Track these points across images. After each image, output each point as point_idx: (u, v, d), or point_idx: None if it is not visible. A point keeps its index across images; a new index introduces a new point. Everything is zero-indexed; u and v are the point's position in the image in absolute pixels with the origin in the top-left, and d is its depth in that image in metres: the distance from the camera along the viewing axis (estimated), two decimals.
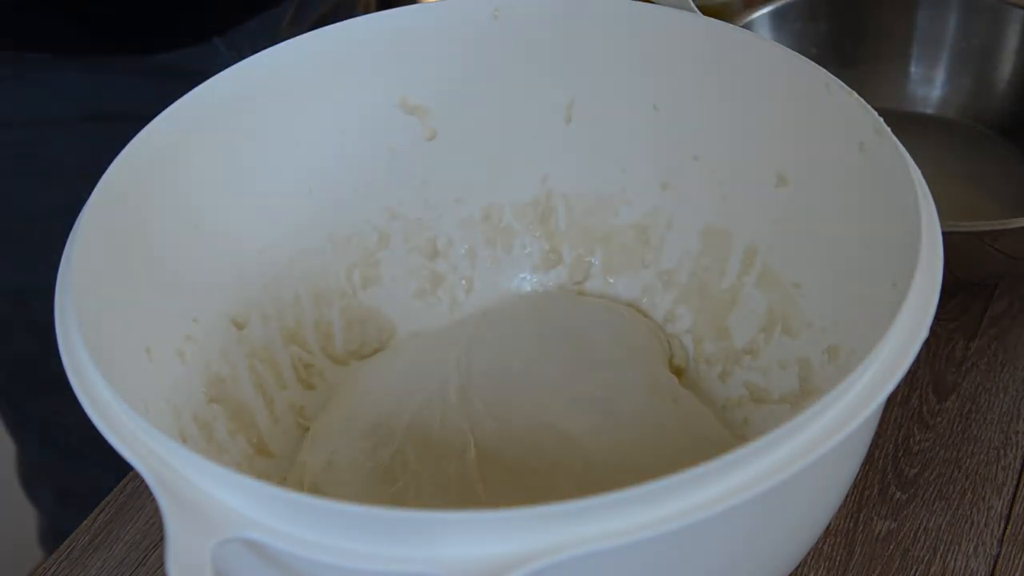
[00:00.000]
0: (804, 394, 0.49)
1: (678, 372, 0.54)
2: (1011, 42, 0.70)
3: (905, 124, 0.58)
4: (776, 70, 0.49)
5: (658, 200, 0.56)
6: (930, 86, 0.73)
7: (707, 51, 0.51)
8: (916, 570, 0.50)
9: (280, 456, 0.51)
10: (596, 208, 0.57)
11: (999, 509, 0.52)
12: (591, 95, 0.55)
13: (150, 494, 0.53)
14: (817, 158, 0.49)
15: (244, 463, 0.49)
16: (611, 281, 0.58)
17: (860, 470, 0.45)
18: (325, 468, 0.49)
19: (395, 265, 0.57)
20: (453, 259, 0.58)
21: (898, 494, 0.53)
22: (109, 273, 0.43)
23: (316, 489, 0.48)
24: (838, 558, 0.51)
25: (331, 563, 0.32)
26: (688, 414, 0.50)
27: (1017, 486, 0.53)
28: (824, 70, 0.47)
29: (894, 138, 0.43)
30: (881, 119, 0.44)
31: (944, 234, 0.40)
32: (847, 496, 0.50)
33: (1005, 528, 0.51)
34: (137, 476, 0.54)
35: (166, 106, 0.48)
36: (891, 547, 0.51)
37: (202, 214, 0.50)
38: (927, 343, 0.39)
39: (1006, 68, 0.70)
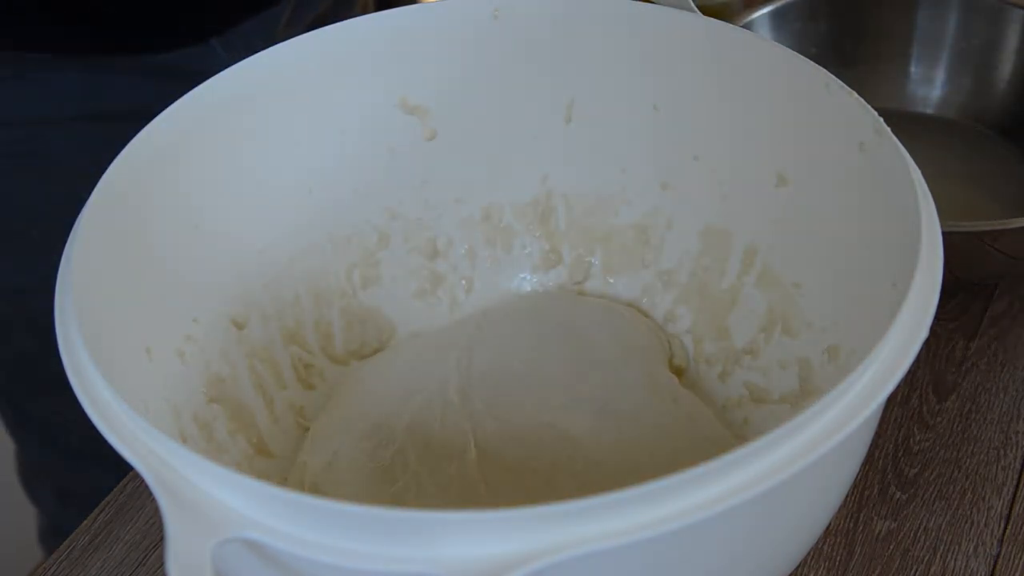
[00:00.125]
0: (804, 394, 0.49)
1: (678, 372, 0.54)
2: (1011, 42, 0.70)
3: (905, 124, 0.57)
4: (776, 70, 0.49)
5: (658, 200, 0.56)
6: (930, 86, 0.73)
7: (707, 51, 0.51)
8: (916, 570, 0.50)
9: (280, 456, 0.51)
10: (596, 208, 0.57)
11: (999, 509, 0.52)
12: (591, 95, 0.55)
13: (150, 494, 0.53)
14: (817, 158, 0.49)
15: (244, 463, 0.49)
16: (611, 281, 0.58)
17: (860, 470, 0.45)
18: (325, 468, 0.49)
19: (395, 265, 0.57)
20: (453, 259, 0.58)
21: (898, 494, 0.53)
22: (109, 273, 0.43)
23: (316, 489, 0.48)
24: (838, 558, 0.51)
25: (331, 563, 0.32)
26: (688, 414, 0.50)
27: (1017, 486, 0.53)
28: (824, 70, 0.47)
29: (894, 138, 0.43)
30: (881, 119, 0.44)
31: (944, 234, 0.40)
32: (847, 496, 0.50)
33: (1005, 528, 0.52)
34: (137, 476, 0.54)
35: (165, 106, 0.48)
36: (891, 547, 0.51)
37: (202, 214, 0.50)
38: (927, 343, 0.39)
39: (1006, 68, 0.70)
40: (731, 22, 0.58)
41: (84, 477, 0.72)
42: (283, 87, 0.52)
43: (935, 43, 0.72)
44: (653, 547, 0.34)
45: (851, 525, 0.52)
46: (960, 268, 0.55)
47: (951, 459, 0.55)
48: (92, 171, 0.45)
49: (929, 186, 0.42)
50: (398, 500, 0.47)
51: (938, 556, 0.51)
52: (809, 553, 0.49)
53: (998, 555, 0.50)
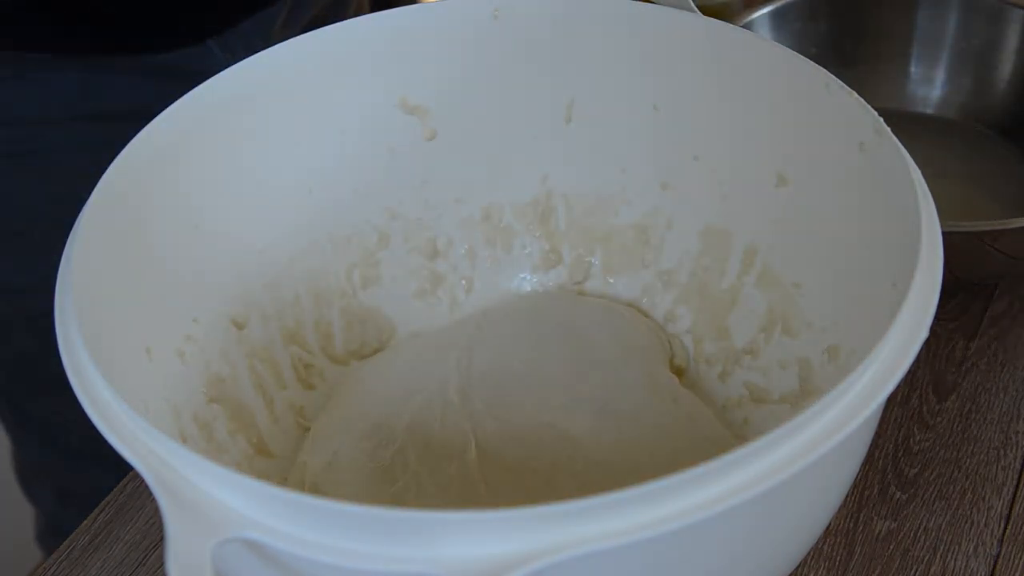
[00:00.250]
0: (804, 394, 0.49)
1: (679, 372, 0.54)
2: (1011, 42, 0.70)
3: (905, 124, 0.57)
4: (776, 70, 0.49)
5: (658, 200, 0.56)
6: (930, 86, 0.73)
7: (707, 51, 0.51)
8: (916, 570, 0.50)
9: (280, 456, 0.51)
10: (596, 208, 0.57)
11: (999, 509, 0.52)
12: (591, 95, 0.55)
13: (150, 494, 0.53)
14: (817, 158, 0.49)
15: (244, 463, 0.49)
16: (611, 281, 0.58)
17: (860, 470, 0.45)
18: (326, 468, 0.49)
19: (395, 265, 0.57)
20: (453, 259, 0.58)
21: (898, 494, 0.53)
22: (109, 273, 0.43)
23: (317, 489, 0.48)
24: (838, 558, 0.51)
25: (331, 563, 0.32)
26: (688, 414, 0.50)
27: (1017, 486, 0.53)
28: (824, 70, 0.47)
29: (894, 138, 0.43)
30: (881, 119, 0.44)
31: (944, 234, 0.40)
32: (847, 496, 0.50)
33: (1005, 528, 0.52)
34: (137, 476, 0.54)
35: (164, 106, 0.48)
36: (891, 547, 0.51)
37: (202, 214, 0.50)
38: (927, 343, 0.39)
39: (1006, 68, 0.70)
40: (731, 22, 0.58)
41: (84, 477, 0.72)
42: (283, 87, 0.52)
43: (935, 43, 0.72)
44: (653, 547, 0.34)
45: (851, 525, 0.52)
46: (960, 268, 0.55)
47: (951, 459, 0.55)
48: (92, 171, 0.45)
49: (929, 186, 0.42)
50: (398, 500, 0.47)
51: (938, 556, 0.51)
52: (809, 553, 0.49)
53: (998, 555, 0.50)
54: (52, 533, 0.89)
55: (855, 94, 0.46)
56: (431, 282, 0.58)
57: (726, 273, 0.54)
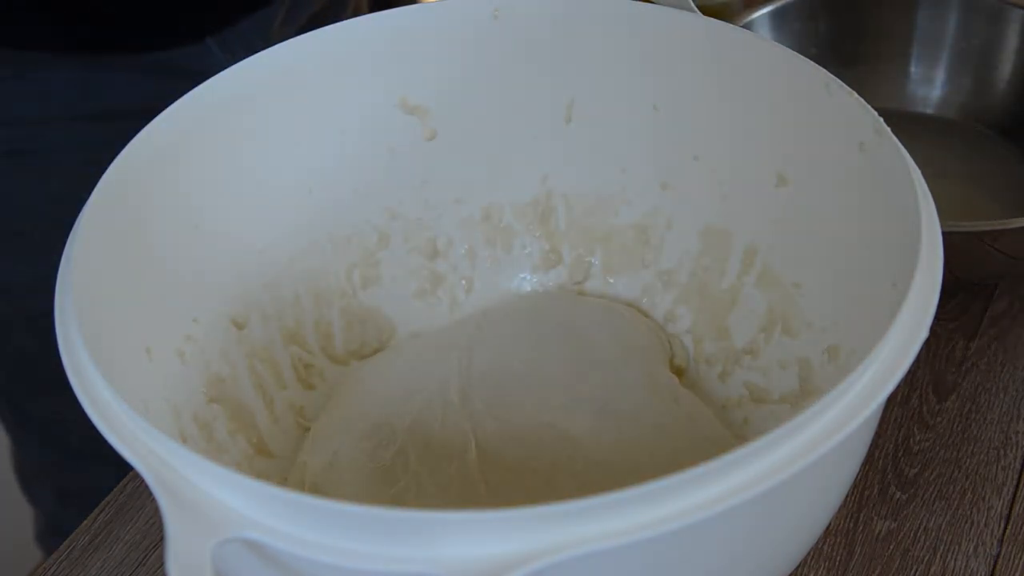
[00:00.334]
0: (804, 394, 0.49)
1: (679, 372, 0.54)
2: (1011, 42, 0.70)
3: (905, 124, 0.57)
4: (776, 70, 0.49)
5: (658, 200, 0.56)
6: (930, 86, 0.73)
7: (707, 51, 0.51)
8: (916, 570, 0.50)
9: (280, 456, 0.51)
10: (596, 208, 0.57)
11: (999, 509, 0.52)
12: (591, 95, 0.55)
13: (150, 494, 0.53)
14: (817, 158, 0.49)
15: (244, 463, 0.49)
16: (611, 281, 0.58)
17: (860, 470, 0.45)
18: (326, 468, 0.49)
19: (395, 265, 0.57)
20: (453, 259, 0.58)
21: (898, 494, 0.53)
22: (109, 273, 0.43)
23: (317, 489, 0.48)
24: (838, 558, 0.51)
25: (331, 563, 0.32)
26: (688, 414, 0.50)
27: (1017, 486, 0.53)
28: (824, 70, 0.47)
29: (894, 138, 0.43)
30: (881, 119, 0.44)
31: (944, 234, 0.40)
32: (847, 496, 0.50)
33: (1005, 528, 0.52)
34: (137, 476, 0.54)
35: (162, 104, 0.48)
36: (891, 547, 0.51)
37: (202, 214, 0.50)
38: (927, 343, 0.39)
39: (1006, 68, 0.70)
40: (731, 22, 0.58)
41: (84, 477, 0.72)
42: (283, 87, 0.52)
43: (935, 43, 0.72)
44: (653, 547, 0.34)
45: (851, 525, 0.52)
46: (960, 268, 0.55)
47: (951, 459, 0.55)
48: (92, 170, 0.45)
49: (929, 186, 0.42)
50: (398, 500, 0.47)
51: (938, 556, 0.51)
52: (809, 553, 0.49)
53: (998, 555, 0.50)
54: (52, 533, 0.89)
55: (855, 94, 0.46)
56: (431, 282, 0.58)
57: (726, 273, 0.54)
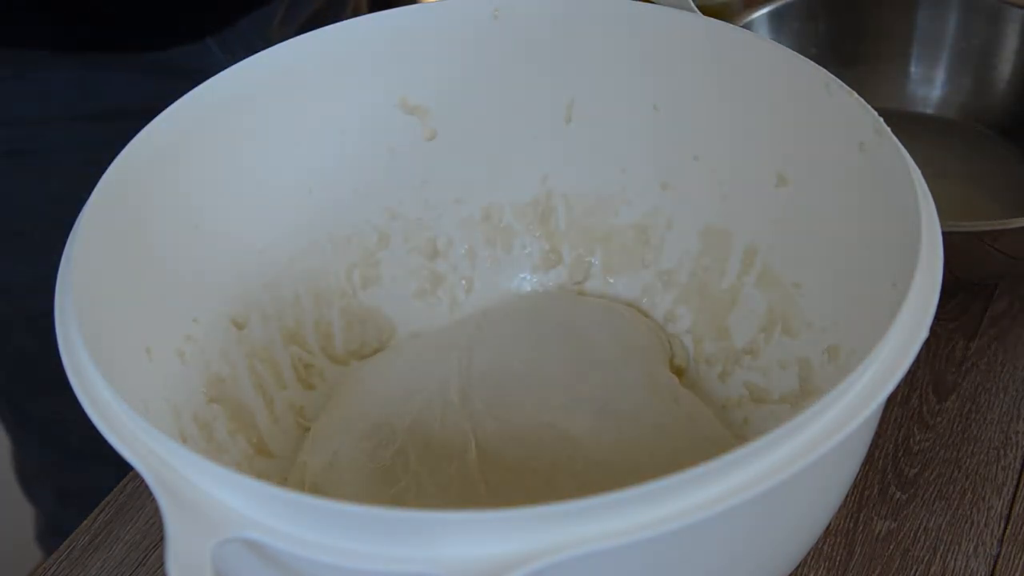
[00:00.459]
0: (804, 394, 0.49)
1: (679, 372, 0.54)
2: (1011, 42, 0.70)
3: (905, 124, 0.58)
4: (776, 70, 0.49)
5: (658, 200, 0.56)
6: (930, 86, 0.73)
7: (707, 51, 0.51)
8: (916, 570, 0.50)
9: (280, 456, 0.51)
10: (596, 208, 0.57)
11: (999, 509, 0.52)
12: (591, 95, 0.55)
13: (150, 494, 0.53)
14: (817, 158, 0.49)
15: (244, 463, 0.49)
16: (611, 281, 0.58)
17: (860, 470, 0.45)
18: (326, 468, 0.49)
19: (395, 265, 0.57)
20: (453, 259, 0.58)
21: (898, 494, 0.53)
22: (109, 273, 0.43)
23: (317, 489, 0.48)
24: (838, 558, 0.51)
25: (331, 563, 0.32)
26: (688, 414, 0.50)
27: (1017, 486, 0.53)
28: (824, 70, 0.47)
29: (894, 138, 0.43)
30: (881, 119, 0.44)
31: (944, 234, 0.40)
32: (847, 496, 0.50)
33: (1005, 528, 0.52)
34: (137, 476, 0.54)
35: (161, 103, 0.48)
36: (891, 547, 0.51)
37: (202, 214, 0.50)
38: (927, 343, 0.39)
39: (1006, 68, 0.71)
40: (731, 22, 0.58)
41: (84, 477, 0.72)
42: (283, 87, 0.52)
43: (935, 43, 0.72)
44: (653, 547, 0.34)
45: (851, 525, 0.52)
46: (960, 268, 0.55)
47: (951, 459, 0.55)
48: (91, 170, 0.45)
49: (929, 186, 0.42)
50: (399, 500, 0.47)
51: (938, 556, 0.51)
52: (809, 553, 0.49)
53: (998, 555, 0.50)
54: (52, 533, 0.89)
55: (855, 94, 0.46)
56: (431, 282, 0.58)
57: (726, 273, 0.54)
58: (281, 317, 0.54)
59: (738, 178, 0.53)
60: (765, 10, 0.71)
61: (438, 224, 0.57)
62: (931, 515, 0.52)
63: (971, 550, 0.51)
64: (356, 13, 0.80)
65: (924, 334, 0.37)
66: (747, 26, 0.69)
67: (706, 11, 0.54)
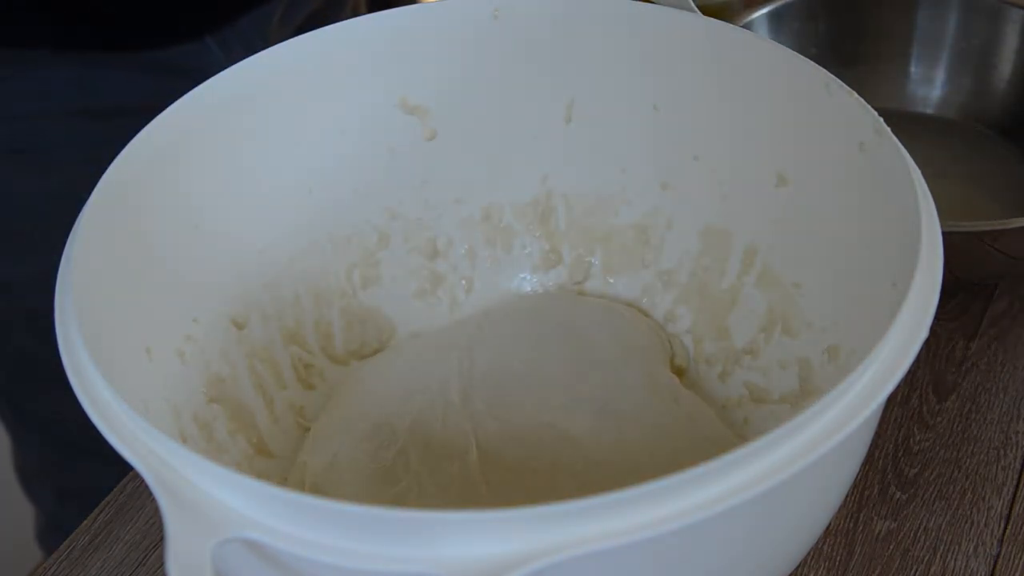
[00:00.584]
0: (804, 394, 0.49)
1: (679, 372, 0.54)
2: (1011, 42, 0.70)
3: (905, 124, 0.58)
4: (776, 70, 0.49)
5: (658, 200, 0.56)
6: (930, 86, 0.73)
7: (707, 51, 0.51)
8: (916, 570, 0.50)
9: (280, 456, 0.51)
10: (596, 208, 0.57)
11: (999, 509, 0.52)
12: (591, 95, 0.55)
13: (150, 494, 0.53)
14: (817, 158, 0.49)
15: (244, 463, 0.49)
16: (611, 281, 0.58)
17: (860, 470, 0.45)
18: (327, 469, 0.49)
19: (395, 265, 0.57)
20: (453, 259, 0.58)
21: (898, 494, 0.53)
22: (109, 273, 0.43)
23: (318, 490, 0.48)
24: (838, 558, 0.51)
25: (331, 563, 0.32)
26: (688, 414, 0.50)
27: (1017, 486, 0.53)
28: (824, 70, 0.47)
29: (894, 138, 0.43)
30: (881, 119, 0.44)
31: (944, 234, 0.40)
32: (847, 496, 0.50)
33: (1005, 528, 0.52)
34: (137, 476, 0.54)
35: (160, 101, 0.48)
36: (891, 547, 0.51)
37: (202, 214, 0.50)
38: (927, 343, 0.39)
39: (1006, 68, 0.71)
40: (731, 22, 0.58)
41: (84, 475, 0.72)
42: (283, 87, 0.52)
43: (935, 43, 0.72)
44: (653, 547, 0.34)
45: (851, 525, 0.52)
46: (960, 268, 0.55)
47: (951, 459, 0.55)
48: (91, 167, 0.45)
49: (929, 186, 0.42)
50: (399, 501, 0.47)
51: (938, 556, 0.51)
52: (809, 553, 0.49)
53: (998, 555, 0.50)
54: (52, 531, 0.89)
55: (855, 94, 0.46)
56: (431, 282, 0.58)
57: (726, 273, 0.54)
58: (281, 317, 0.54)
59: (738, 178, 0.53)
60: (765, 10, 0.71)
61: (438, 224, 0.57)
62: (931, 515, 0.52)
63: (971, 550, 0.51)
64: (355, 12, 0.80)
65: (924, 334, 0.37)
66: (747, 26, 0.69)
67: (706, 11, 0.54)
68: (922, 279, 0.38)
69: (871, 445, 0.44)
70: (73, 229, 0.43)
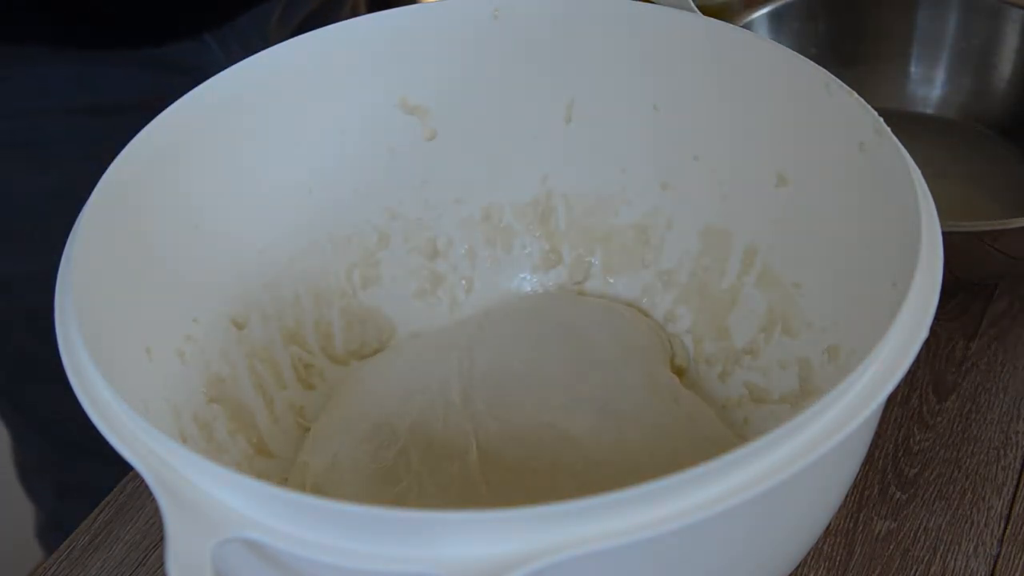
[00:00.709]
0: (804, 394, 0.49)
1: (679, 372, 0.54)
2: (1011, 42, 0.70)
3: (905, 124, 0.58)
4: (776, 70, 0.49)
5: (658, 200, 0.56)
6: (930, 86, 0.73)
7: (707, 51, 0.51)
8: (916, 570, 0.50)
9: (280, 456, 0.51)
10: (596, 208, 0.57)
11: (999, 509, 0.52)
12: (591, 95, 0.55)
13: (150, 494, 0.53)
14: (817, 158, 0.49)
15: (244, 463, 0.49)
16: (611, 281, 0.58)
17: (860, 470, 0.45)
18: (328, 469, 0.49)
19: (395, 265, 0.57)
20: (453, 259, 0.58)
21: (898, 494, 0.53)
22: (109, 273, 0.43)
23: (318, 490, 0.48)
24: (838, 558, 0.51)
25: (331, 563, 0.32)
26: (688, 414, 0.50)
27: (1017, 486, 0.53)
28: (824, 70, 0.47)
29: (894, 138, 0.43)
30: (881, 119, 0.44)
31: (944, 234, 0.40)
32: (847, 496, 0.50)
33: (1005, 528, 0.52)
34: (137, 476, 0.54)
35: (159, 98, 0.48)
36: (891, 547, 0.51)
37: (202, 214, 0.50)
38: (927, 343, 0.39)
39: (1006, 68, 0.71)
40: (731, 22, 0.58)
41: (83, 474, 0.72)
42: (283, 87, 0.52)
43: (935, 43, 0.72)
44: (653, 547, 0.34)
45: (851, 525, 0.52)
46: (960, 268, 0.55)
47: (951, 459, 0.55)
48: (90, 164, 0.45)
49: (929, 186, 0.42)
50: (400, 501, 0.47)
51: (938, 556, 0.51)
52: (809, 553, 0.49)
53: (998, 555, 0.50)
54: (52, 529, 0.89)
55: (855, 94, 0.46)
56: (431, 282, 0.58)
57: (726, 273, 0.54)
58: (281, 317, 0.54)
59: (738, 178, 0.53)
60: (765, 10, 0.71)
61: (438, 224, 0.57)
62: (931, 515, 0.52)
63: (971, 550, 0.51)
64: (354, 11, 0.80)
65: (924, 334, 0.37)
66: (747, 26, 0.69)
67: (706, 11, 0.54)
68: (922, 279, 0.38)
69: (871, 445, 0.44)
70: (73, 229, 0.43)
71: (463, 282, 0.58)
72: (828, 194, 0.48)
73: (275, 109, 0.52)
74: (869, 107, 0.45)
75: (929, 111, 0.72)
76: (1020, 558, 0.50)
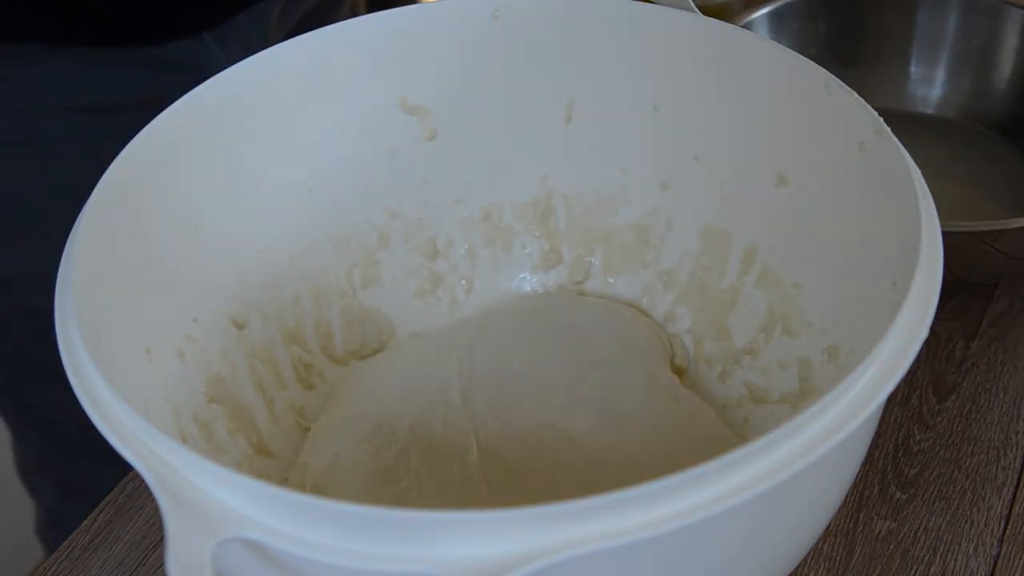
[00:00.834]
0: (804, 394, 0.49)
1: (679, 372, 0.54)
2: (1011, 42, 0.70)
3: (905, 124, 0.58)
4: (776, 70, 0.49)
5: (658, 200, 0.56)
6: (930, 86, 0.73)
7: (707, 51, 0.51)
8: (916, 570, 0.50)
9: (280, 456, 0.51)
10: (596, 208, 0.57)
11: (999, 509, 0.52)
12: (591, 95, 0.55)
13: (150, 494, 0.53)
14: (817, 158, 0.49)
15: (244, 463, 0.49)
16: (611, 281, 0.58)
17: (860, 470, 0.45)
18: (328, 469, 0.49)
19: (395, 265, 0.57)
20: (453, 259, 0.58)
21: (898, 494, 0.53)
22: (109, 273, 0.43)
23: (318, 490, 0.48)
24: (838, 558, 0.51)
25: (331, 563, 0.32)
26: (688, 414, 0.50)
27: (1017, 486, 0.53)
28: (824, 70, 0.47)
29: (894, 138, 0.43)
30: (881, 119, 0.44)
31: (944, 234, 0.40)
32: (847, 496, 0.50)
33: (1005, 528, 0.52)
34: (137, 476, 0.54)
35: (158, 97, 0.48)
36: (891, 547, 0.51)
37: (202, 214, 0.50)
38: (927, 343, 0.39)
39: (1006, 68, 0.71)
40: (731, 22, 0.58)
41: (84, 471, 0.72)
42: (283, 87, 0.52)
43: (935, 43, 0.72)
44: (653, 547, 0.34)
45: (851, 525, 0.52)
46: (960, 268, 0.55)
47: (951, 459, 0.55)
48: (88, 162, 0.45)
49: (929, 186, 0.42)
50: (400, 501, 0.47)
51: (938, 556, 0.51)
52: (809, 553, 0.49)
53: (998, 555, 0.50)
54: (52, 526, 0.89)
55: (855, 94, 0.46)
56: (431, 282, 0.58)
57: (726, 273, 0.54)
58: (281, 317, 0.54)
59: (738, 178, 0.53)
60: (765, 10, 0.71)
61: (438, 224, 0.58)
62: (931, 515, 0.52)
63: (971, 550, 0.51)
64: (353, 11, 0.80)
65: (924, 334, 0.37)
66: (747, 26, 0.69)
67: (706, 11, 0.54)
68: (922, 279, 0.38)
69: (871, 445, 0.44)
70: (73, 229, 0.43)
71: (463, 282, 0.58)
72: (828, 194, 0.48)
73: (275, 109, 0.52)
74: (869, 107, 0.45)
75: (929, 111, 0.72)
76: (1020, 558, 0.50)
